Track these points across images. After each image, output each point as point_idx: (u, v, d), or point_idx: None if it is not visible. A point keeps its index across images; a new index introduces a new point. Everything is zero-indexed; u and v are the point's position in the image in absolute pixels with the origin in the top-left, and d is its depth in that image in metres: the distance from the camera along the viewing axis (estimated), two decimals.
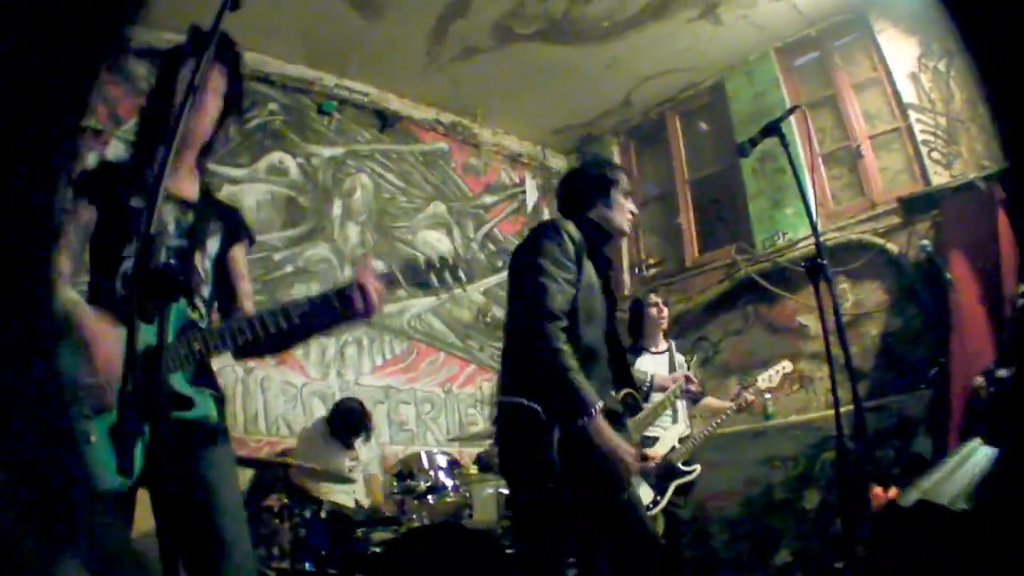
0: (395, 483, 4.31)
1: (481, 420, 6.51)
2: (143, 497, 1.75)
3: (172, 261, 2.01)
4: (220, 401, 2.08)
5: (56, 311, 1.76)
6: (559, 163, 8.11)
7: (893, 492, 4.18)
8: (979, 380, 4.30)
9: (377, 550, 3.87)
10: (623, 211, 2.79)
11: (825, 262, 2.57)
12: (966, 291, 4.84)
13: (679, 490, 4.39)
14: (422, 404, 6.38)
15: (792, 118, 3.52)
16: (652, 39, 6.32)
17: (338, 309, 1.96)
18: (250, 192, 5.84)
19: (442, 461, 4.36)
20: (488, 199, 7.54)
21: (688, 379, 4.32)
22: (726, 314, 6.49)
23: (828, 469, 5.41)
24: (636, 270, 7.42)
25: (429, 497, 4.13)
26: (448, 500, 4.18)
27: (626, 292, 7.16)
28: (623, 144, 7.85)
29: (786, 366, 4.67)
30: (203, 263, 2.12)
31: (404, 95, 6.95)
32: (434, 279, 2.00)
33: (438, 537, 3.74)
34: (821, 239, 2.65)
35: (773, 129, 2.84)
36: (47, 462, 1.30)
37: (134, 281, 1.40)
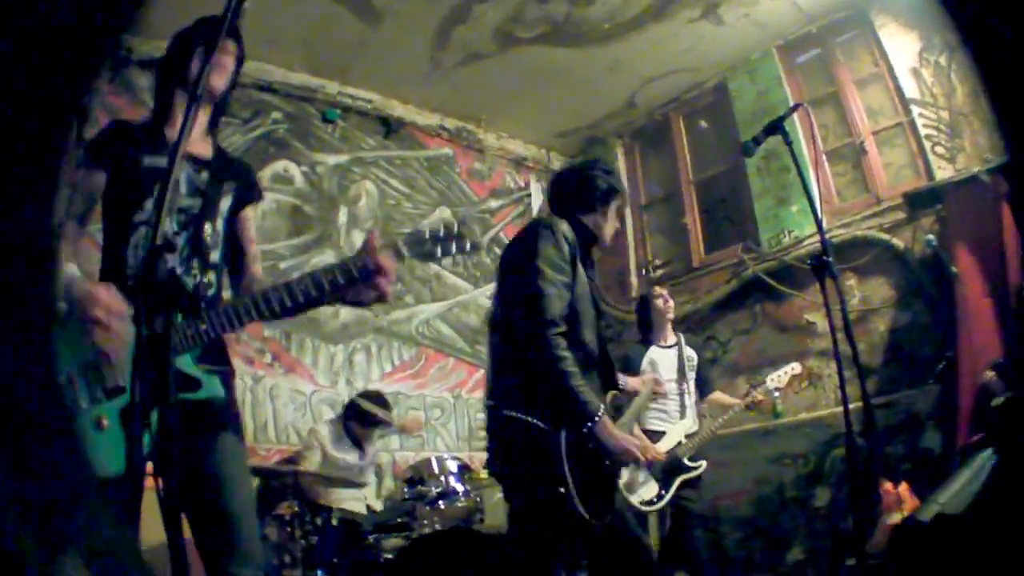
0: (406, 489, 4.30)
1: None
2: (150, 502, 1.76)
3: (175, 229, 2.02)
4: (230, 376, 2.09)
5: (58, 294, 1.79)
6: (563, 166, 8.10)
7: (903, 488, 4.17)
8: (989, 374, 4.29)
9: (389, 556, 3.87)
10: (612, 226, 2.79)
11: (831, 259, 2.58)
12: (972, 284, 4.83)
13: (686, 485, 4.39)
14: (432, 410, 6.39)
15: (795, 116, 3.54)
16: (654, 40, 6.32)
17: (342, 282, 1.90)
18: None
19: (453, 466, 4.35)
20: (493, 203, 7.55)
21: (656, 382, 4.32)
22: (734, 313, 6.48)
23: (838, 466, 5.39)
24: (643, 271, 7.41)
25: (440, 503, 4.11)
26: (459, 505, 4.16)
27: (633, 294, 7.16)
28: (627, 146, 7.84)
29: (795, 367, 4.68)
30: (215, 223, 2.13)
31: (408, 101, 6.96)
32: (438, 249, 1.94)
33: (450, 543, 3.73)
34: (826, 236, 2.66)
35: (776, 127, 2.85)
36: (47, 461, 1.30)
37: (138, 292, 1.41)
